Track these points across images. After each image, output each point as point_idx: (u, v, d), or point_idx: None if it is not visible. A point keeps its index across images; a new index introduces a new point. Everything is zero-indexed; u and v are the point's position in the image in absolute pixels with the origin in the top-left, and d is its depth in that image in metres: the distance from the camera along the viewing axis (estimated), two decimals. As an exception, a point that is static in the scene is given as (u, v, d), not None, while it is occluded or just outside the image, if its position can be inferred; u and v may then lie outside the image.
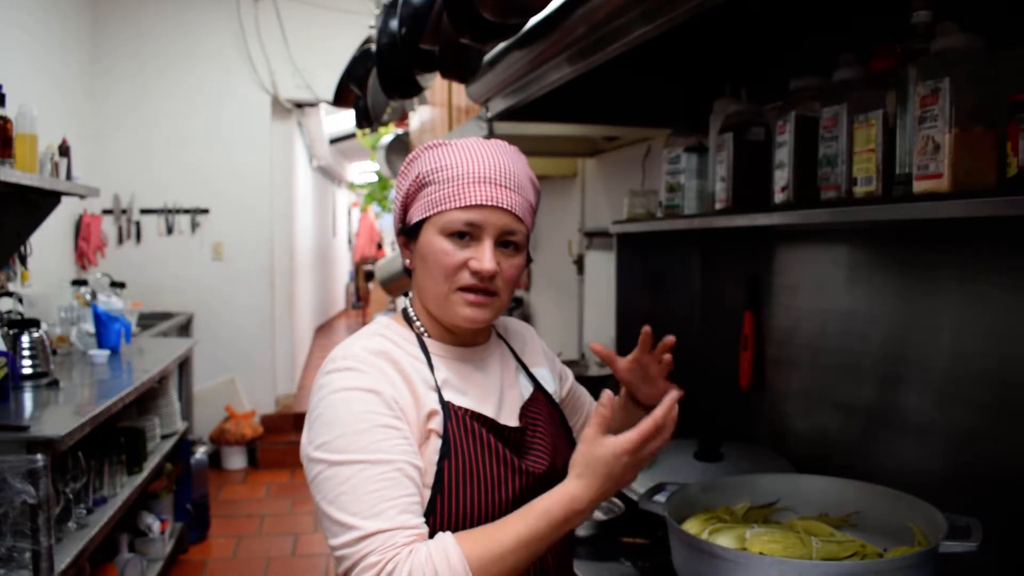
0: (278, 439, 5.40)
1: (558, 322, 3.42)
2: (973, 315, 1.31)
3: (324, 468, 0.98)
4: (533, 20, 1.46)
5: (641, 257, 2.10)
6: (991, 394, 1.27)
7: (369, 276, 11.22)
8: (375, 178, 11.94)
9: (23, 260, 3.46)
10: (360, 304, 12.70)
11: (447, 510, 1.01)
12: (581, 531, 1.59)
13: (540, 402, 1.20)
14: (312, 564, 3.84)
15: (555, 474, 1.12)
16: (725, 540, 1.17)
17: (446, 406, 1.06)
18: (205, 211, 5.38)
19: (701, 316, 2.14)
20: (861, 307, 1.58)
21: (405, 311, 1.17)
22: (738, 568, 1.06)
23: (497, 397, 1.14)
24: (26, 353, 2.69)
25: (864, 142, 1.12)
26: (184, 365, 4.04)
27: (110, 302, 3.57)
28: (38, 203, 3.12)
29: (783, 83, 1.38)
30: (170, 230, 5.33)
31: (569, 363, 1.97)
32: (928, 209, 0.97)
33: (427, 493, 1.01)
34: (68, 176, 3.24)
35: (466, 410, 1.07)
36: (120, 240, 5.25)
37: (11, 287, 3.31)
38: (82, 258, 4.68)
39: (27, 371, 2.68)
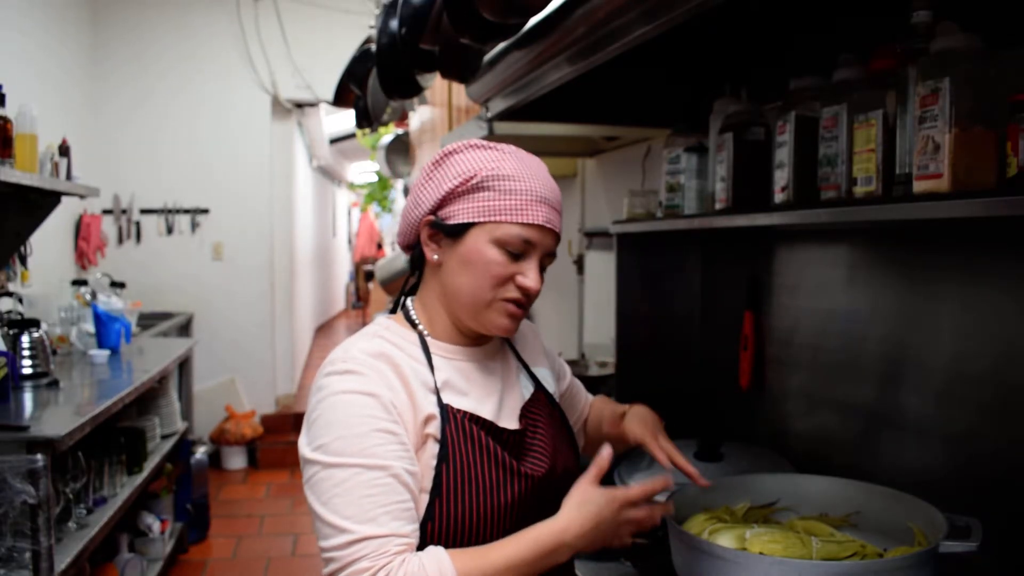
0: (278, 439, 5.40)
1: (558, 322, 3.41)
2: (973, 315, 1.31)
3: (319, 470, 0.98)
4: (533, 20, 1.46)
5: (641, 257, 2.10)
6: (991, 394, 1.27)
7: (369, 276, 11.22)
8: (375, 178, 11.94)
9: (23, 260, 3.46)
10: (360, 304, 12.70)
11: (446, 514, 1.01)
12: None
13: (541, 402, 1.20)
14: (312, 564, 3.84)
15: (555, 477, 1.12)
16: (725, 540, 1.17)
17: (444, 409, 1.05)
18: (205, 211, 5.38)
19: (701, 316, 2.14)
20: (861, 307, 1.58)
21: (406, 311, 1.16)
22: (738, 568, 1.06)
23: (498, 397, 1.14)
24: (26, 353, 2.69)
25: (864, 142, 1.11)
26: (184, 365, 4.04)
27: (110, 302, 3.57)
28: (38, 203, 3.12)
29: (783, 83, 1.38)
30: (170, 230, 5.33)
31: (569, 363, 1.97)
32: (928, 209, 0.97)
33: (425, 498, 1.01)
34: (68, 176, 3.24)
35: (465, 413, 1.06)
36: (120, 240, 5.25)
37: (11, 287, 3.31)
38: (82, 258, 4.68)
39: (27, 371, 2.68)
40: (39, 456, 2.00)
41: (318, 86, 5.35)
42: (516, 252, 1.07)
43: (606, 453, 1.05)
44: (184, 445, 3.82)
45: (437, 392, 1.07)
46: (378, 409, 1.00)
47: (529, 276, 1.08)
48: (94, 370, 3.04)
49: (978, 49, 0.97)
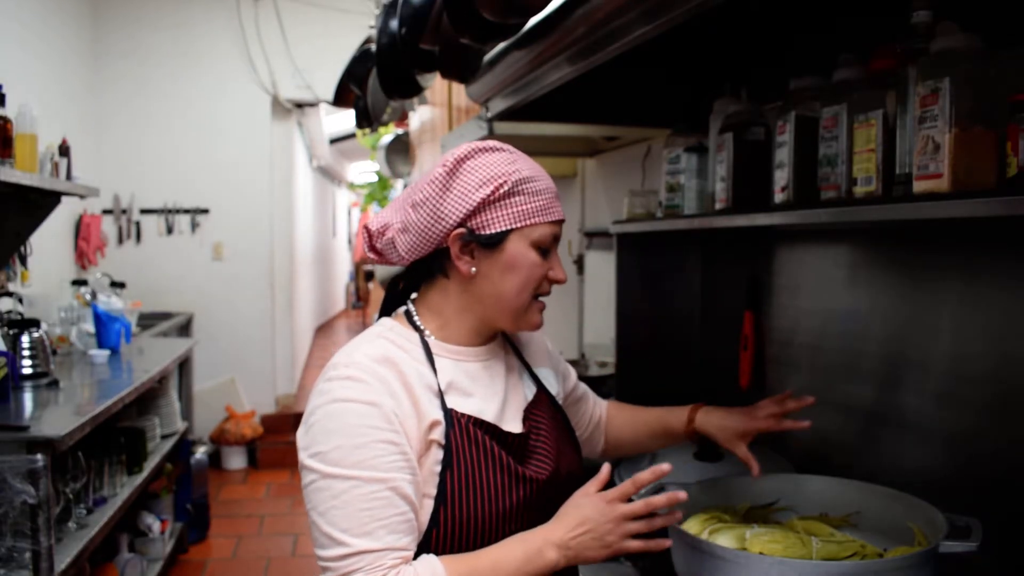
0: (278, 439, 5.40)
1: (558, 322, 3.41)
2: (973, 315, 1.31)
3: (317, 478, 0.98)
4: (533, 20, 1.46)
5: (641, 257, 2.10)
6: (991, 394, 1.27)
7: (369, 276, 11.22)
8: (375, 178, 11.93)
9: (23, 260, 3.46)
10: (360, 304, 12.70)
11: (450, 520, 1.01)
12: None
13: (543, 404, 1.20)
14: (312, 564, 3.84)
15: (559, 480, 1.12)
16: (725, 540, 1.17)
17: (449, 414, 1.04)
18: (205, 211, 5.38)
19: (701, 316, 2.14)
20: (861, 307, 1.58)
21: (408, 315, 1.14)
22: (738, 568, 1.06)
23: (501, 398, 1.13)
24: (26, 353, 2.69)
25: (864, 142, 1.11)
26: (184, 365, 4.04)
27: (110, 302, 3.57)
28: (38, 203, 3.12)
29: (783, 83, 1.38)
30: (170, 230, 5.33)
31: (569, 363, 1.96)
32: (928, 209, 0.97)
33: (429, 504, 1.01)
34: (68, 176, 3.24)
35: (469, 417, 1.06)
36: (120, 240, 5.25)
37: (11, 287, 3.31)
38: (82, 258, 4.68)
39: (27, 371, 2.68)
40: (39, 456, 2.00)
41: (318, 86, 5.35)
42: (546, 249, 1.10)
43: (604, 471, 1.06)
44: (184, 445, 3.82)
45: (441, 395, 1.06)
46: (379, 419, 0.99)
47: (558, 269, 1.12)
48: (94, 370, 3.04)
49: (978, 49, 0.97)
